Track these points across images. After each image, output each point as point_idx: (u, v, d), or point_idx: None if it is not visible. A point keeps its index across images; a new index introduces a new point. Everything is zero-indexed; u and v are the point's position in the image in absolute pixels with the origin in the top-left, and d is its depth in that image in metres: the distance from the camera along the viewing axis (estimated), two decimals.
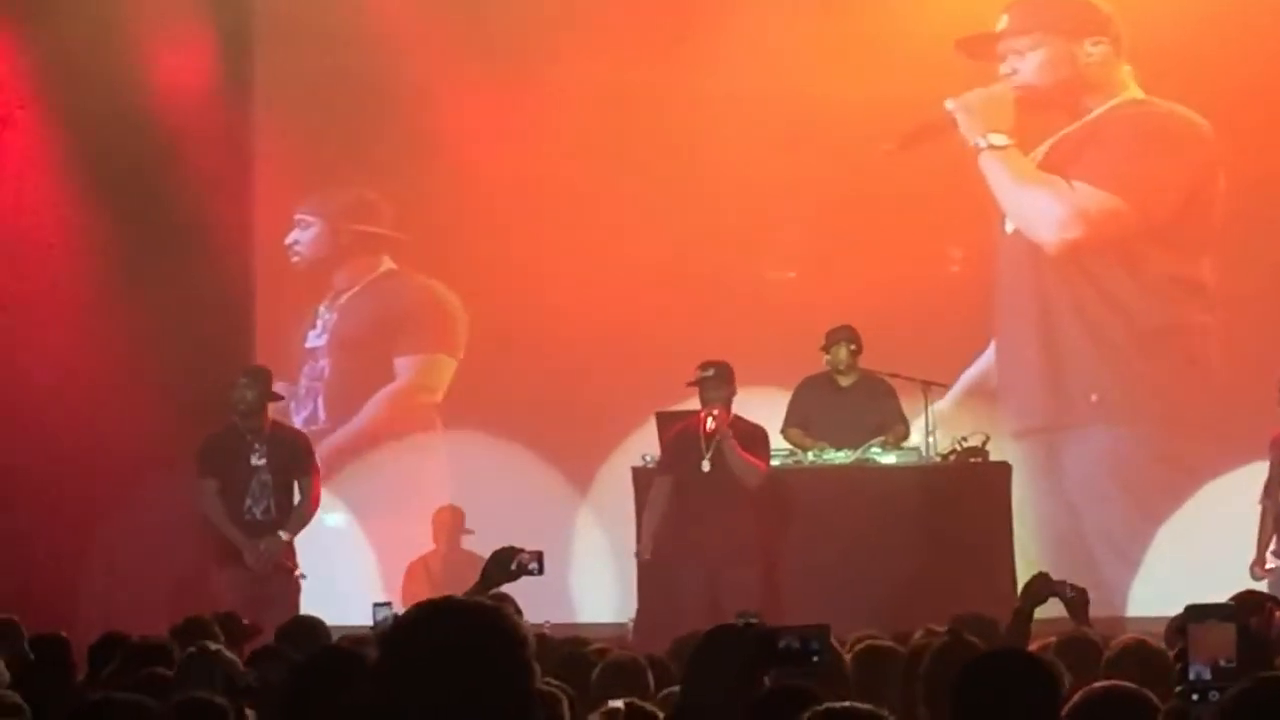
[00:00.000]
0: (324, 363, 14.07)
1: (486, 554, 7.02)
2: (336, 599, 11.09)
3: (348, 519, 13.69)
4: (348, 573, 13.06)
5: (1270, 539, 11.12)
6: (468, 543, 13.37)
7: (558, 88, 13.45)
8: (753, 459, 10.92)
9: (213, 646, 6.24)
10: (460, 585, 6.63)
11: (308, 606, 10.57)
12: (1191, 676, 3.43)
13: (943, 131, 13.27)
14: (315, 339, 14.08)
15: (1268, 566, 11.07)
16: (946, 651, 5.60)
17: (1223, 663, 3.36)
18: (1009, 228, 13.44)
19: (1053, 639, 6.67)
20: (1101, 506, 13.06)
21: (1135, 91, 13.33)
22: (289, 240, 14.07)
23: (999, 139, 13.34)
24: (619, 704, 4.98)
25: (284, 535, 11.00)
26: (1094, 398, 13.17)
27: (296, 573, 11.03)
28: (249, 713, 5.42)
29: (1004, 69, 13.40)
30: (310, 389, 13.89)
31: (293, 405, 13.58)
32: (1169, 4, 13.15)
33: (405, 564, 13.57)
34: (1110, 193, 13.24)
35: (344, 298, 14.17)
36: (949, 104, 13.30)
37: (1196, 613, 3.44)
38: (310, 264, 14.12)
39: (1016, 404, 13.26)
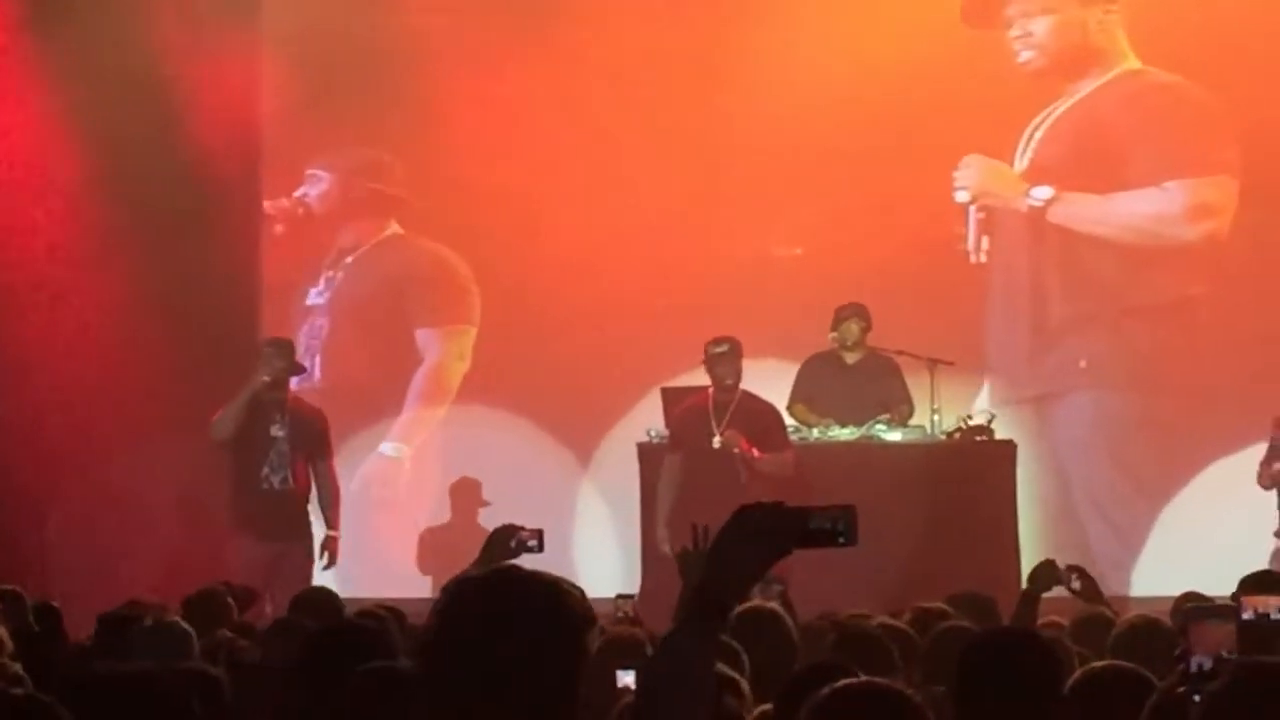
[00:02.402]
0: (322, 321, 13.95)
1: (491, 529, 7.06)
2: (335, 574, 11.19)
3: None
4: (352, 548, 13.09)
5: None
6: (482, 516, 13.34)
7: (568, 55, 13.40)
8: (777, 457, 10.93)
9: (171, 619, 6.27)
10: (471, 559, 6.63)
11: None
12: (1193, 669, 3.45)
13: (989, 215, 13.23)
14: (316, 297, 13.98)
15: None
16: (946, 632, 5.63)
17: (1224, 660, 3.38)
18: (1026, 206, 13.34)
19: (1064, 621, 6.72)
20: (1093, 474, 13.04)
21: (1134, 61, 13.29)
22: (298, 193, 14.00)
23: (1043, 191, 13.24)
24: (629, 680, 4.96)
25: (334, 533, 11.12)
26: (1082, 363, 13.15)
27: (335, 533, 11.08)
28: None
29: (1014, 32, 13.31)
30: (308, 347, 13.74)
31: None
32: None
33: (411, 536, 13.58)
34: (1201, 177, 13.13)
35: (350, 258, 14.08)
36: (960, 196, 13.26)
37: (1198, 611, 3.46)
38: (317, 219, 14.03)
39: (1004, 374, 13.23)
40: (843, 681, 3.79)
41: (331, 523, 11.16)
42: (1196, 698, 3.29)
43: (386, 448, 13.74)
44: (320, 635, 5.14)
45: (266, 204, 13.83)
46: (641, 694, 3.05)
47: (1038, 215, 13.28)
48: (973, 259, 13.23)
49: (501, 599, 2.98)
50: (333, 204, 14.05)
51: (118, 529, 11.95)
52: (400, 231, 14.12)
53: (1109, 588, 11.98)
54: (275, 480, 10.96)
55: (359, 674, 4.47)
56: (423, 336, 13.95)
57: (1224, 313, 12.89)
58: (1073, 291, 13.26)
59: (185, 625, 6.41)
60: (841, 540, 3.08)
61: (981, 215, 13.27)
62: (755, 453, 10.92)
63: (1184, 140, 13.21)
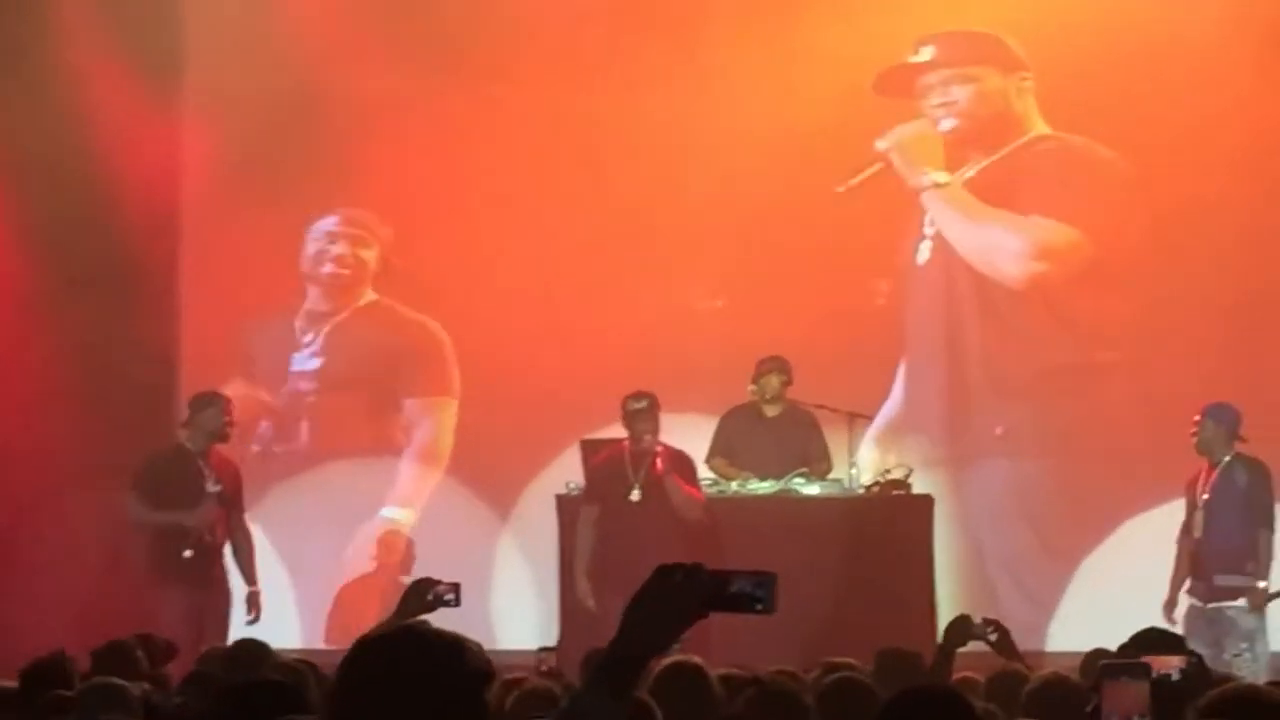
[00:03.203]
0: (311, 387, 13.83)
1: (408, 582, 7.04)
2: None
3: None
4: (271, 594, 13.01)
5: (1184, 580, 11.17)
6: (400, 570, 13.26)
7: (491, 107, 13.42)
8: (691, 490, 10.98)
9: (117, 683, 6.25)
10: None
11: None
12: None
13: (886, 170, 13.30)
14: (305, 362, 13.82)
15: (1180, 607, 11.12)
16: (846, 688, 5.65)
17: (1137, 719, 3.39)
18: (922, 259, 13.43)
19: (979, 676, 6.73)
20: (1005, 539, 13.10)
21: (1043, 127, 13.42)
22: (317, 250, 13.85)
23: (940, 176, 13.38)
24: None
25: (256, 588, 11.13)
26: (999, 430, 13.22)
27: (256, 587, 11.10)
28: None
29: (935, 100, 13.43)
30: (293, 412, 13.72)
31: (265, 424, 13.53)
32: (1064, 38, 13.15)
33: (323, 586, 13.47)
34: (1065, 224, 13.28)
35: (330, 324, 13.90)
36: (880, 144, 13.31)
37: (1111, 669, 3.47)
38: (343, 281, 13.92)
39: (924, 435, 13.28)
40: None
41: (251, 578, 11.15)
42: None
43: (390, 512, 13.63)
44: (234, 687, 5.12)
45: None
46: None
47: (950, 269, 13.33)
48: (837, 189, 13.17)
49: (402, 656, 3.01)
50: (310, 265, 13.92)
51: (36, 578, 11.86)
52: (375, 297, 13.98)
53: (1022, 644, 12.08)
54: (206, 534, 10.92)
55: None
56: (410, 406, 13.80)
57: (1136, 377, 12.98)
58: (989, 351, 13.33)
59: (119, 682, 6.38)
60: (759, 608, 3.08)
61: (879, 166, 13.29)
62: (676, 477, 10.93)
63: (1069, 187, 13.32)
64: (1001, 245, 13.35)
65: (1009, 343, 13.30)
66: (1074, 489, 12.98)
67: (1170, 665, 4.12)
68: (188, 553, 10.81)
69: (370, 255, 13.85)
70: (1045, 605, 12.90)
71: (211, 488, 10.93)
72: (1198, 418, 11.07)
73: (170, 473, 11.00)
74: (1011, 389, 13.21)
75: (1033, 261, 13.29)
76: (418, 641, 3.05)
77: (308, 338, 13.87)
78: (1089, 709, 3.54)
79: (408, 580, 12.60)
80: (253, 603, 11.07)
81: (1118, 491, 12.80)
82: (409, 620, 6.37)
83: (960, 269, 13.38)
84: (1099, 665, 3.56)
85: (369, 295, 13.95)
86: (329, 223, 13.88)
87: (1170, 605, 11.13)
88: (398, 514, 13.61)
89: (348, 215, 13.88)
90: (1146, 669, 3.50)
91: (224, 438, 11.10)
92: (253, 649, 7.59)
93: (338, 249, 13.87)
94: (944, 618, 9.81)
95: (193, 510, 10.87)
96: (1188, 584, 11.12)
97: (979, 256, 13.38)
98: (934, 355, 13.44)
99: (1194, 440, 11.05)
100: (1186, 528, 11.22)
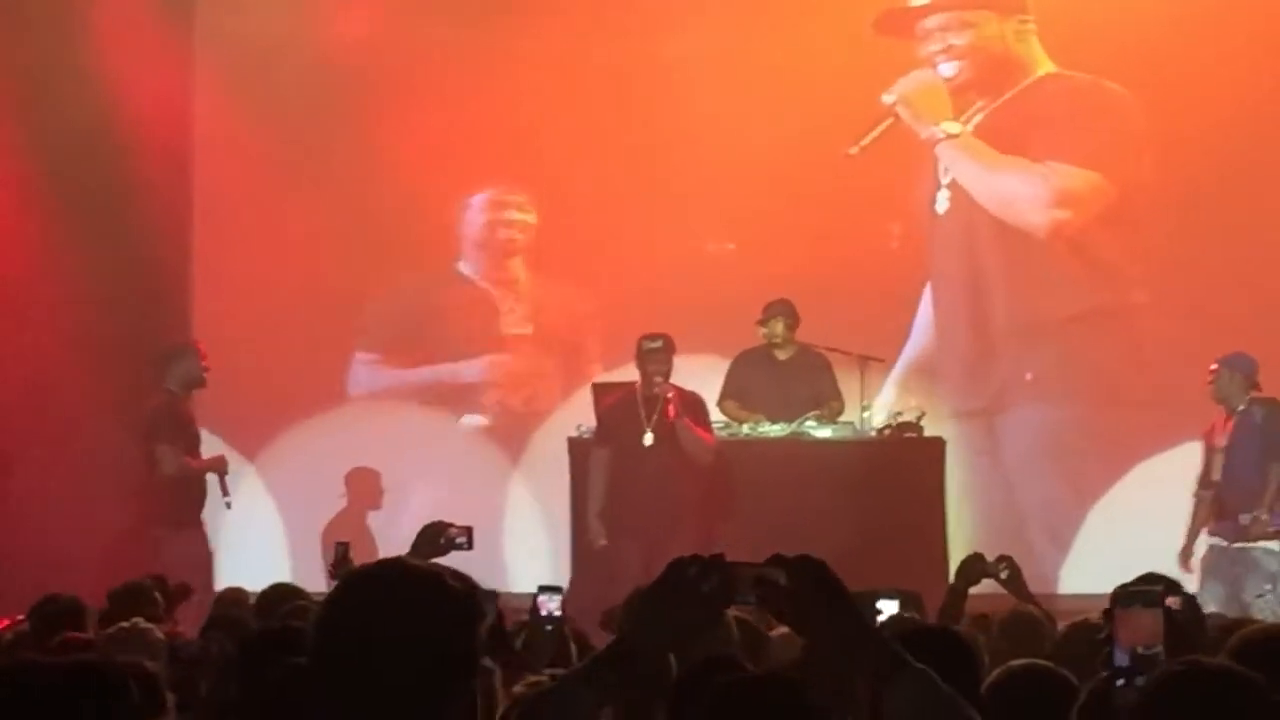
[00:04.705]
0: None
1: (417, 525, 7.04)
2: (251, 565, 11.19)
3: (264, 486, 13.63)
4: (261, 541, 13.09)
5: (1200, 530, 11.17)
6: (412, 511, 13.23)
7: (507, 54, 13.36)
8: (703, 434, 10.95)
9: (143, 625, 6.25)
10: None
11: (233, 574, 10.62)
12: (1116, 661, 3.43)
13: (897, 125, 13.21)
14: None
15: (1198, 554, 11.12)
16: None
17: (1148, 649, 3.36)
18: (941, 208, 13.37)
19: (992, 616, 6.72)
20: (1037, 485, 13.08)
21: (1049, 67, 13.33)
22: (507, 215, 13.79)
23: (952, 127, 13.29)
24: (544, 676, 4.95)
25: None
26: (1028, 376, 13.19)
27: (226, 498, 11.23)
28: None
29: (934, 46, 13.35)
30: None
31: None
32: None
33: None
34: (1084, 168, 13.19)
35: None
36: (886, 97, 13.21)
37: (1123, 597, 3.44)
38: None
39: (953, 385, 13.26)
40: (739, 675, 3.75)
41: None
42: (1120, 682, 3.29)
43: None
44: (255, 632, 5.13)
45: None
46: None
47: (972, 218, 13.27)
48: (850, 150, 13.12)
49: (384, 590, 3.00)
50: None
51: (54, 519, 11.89)
52: None
53: (1056, 588, 12.11)
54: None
55: (283, 668, 4.44)
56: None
57: (1164, 317, 12.93)
58: (1015, 298, 13.27)
59: (158, 632, 6.40)
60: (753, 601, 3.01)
61: (890, 122, 13.23)
62: (689, 421, 10.91)
63: (1082, 129, 13.25)
64: (1022, 194, 13.27)
65: (1035, 289, 13.22)
66: (1100, 430, 12.93)
67: (1171, 602, 4.10)
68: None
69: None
70: (1068, 547, 12.88)
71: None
72: (1214, 367, 11.04)
73: (184, 420, 11.21)
74: (1039, 335, 13.15)
75: (1055, 209, 13.21)
76: (402, 575, 3.04)
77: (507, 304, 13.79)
78: (1101, 636, 3.51)
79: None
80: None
81: (1135, 431, 12.75)
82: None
83: (981, 217, 13.32)
84: (1112, 592, 3.53)
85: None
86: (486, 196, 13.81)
87: (1185, 554, 11.13)
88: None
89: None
90: (1159, 596, 3.47)
91: (203, 383, 11.31)
92: (284, 592, 7.58)
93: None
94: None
95: (216, 456, 11.24)
96: (1211, 525, 11.12)
97: (1000, 206, 13.30)
98: (957, 304, 13.38)
99: (1211, 390, 11.02)
100: (1204, 477, 11.22)
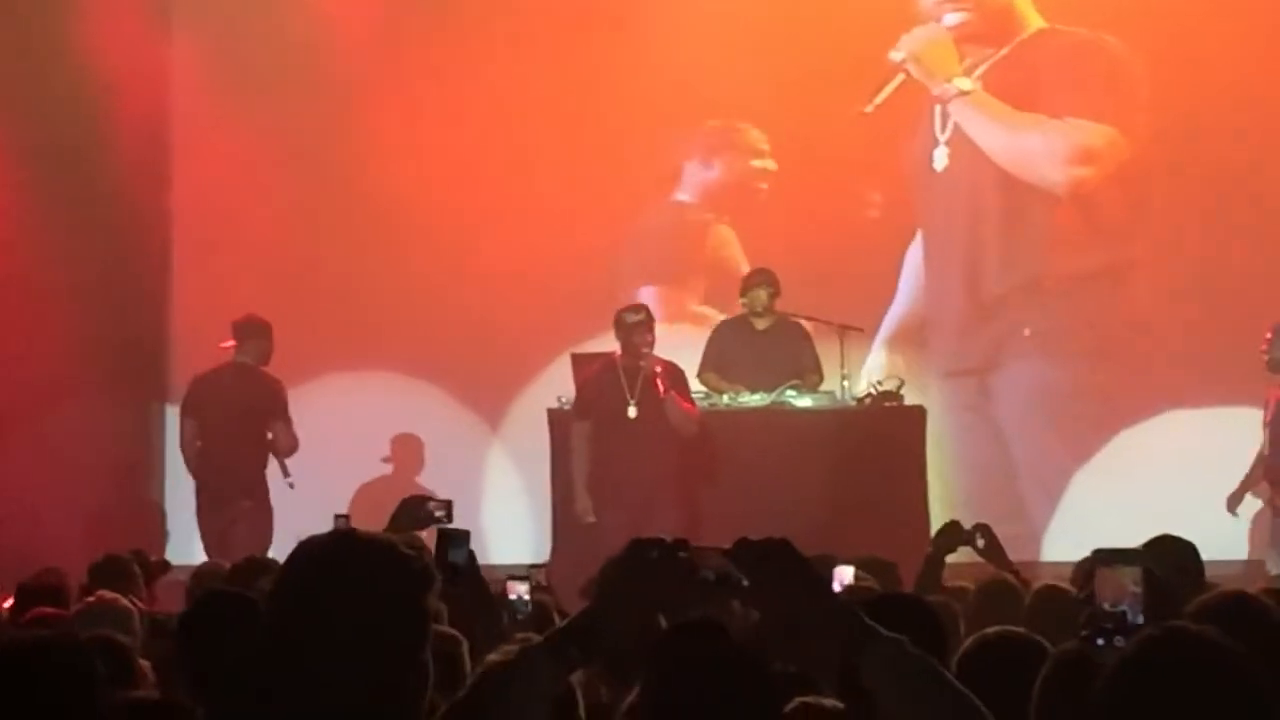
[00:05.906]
0: None
1: (398, 495, 7.02)
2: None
3: None
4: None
5: (1254, 482, 11.26)
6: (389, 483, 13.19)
7: (486, 30, 13.32)
8: (687, 405, 10.92)
9: (109, 597, 6.24)
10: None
11: None
12: (1096, 621, 3.40)
13: (906, 83, 13.14)
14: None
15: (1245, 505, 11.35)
16: None
17: (1129, 609, 3.34)
18: (939, 165, 13.30)
19: (969, 585, 6.68)
20: (1029, 442, 13.05)
21: (1039, 21, 13.28)
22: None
23: (965, 83, 13.19)
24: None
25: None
26: (1027, 332, 13.13)
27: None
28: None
29: None
30: None
31: None
32: None
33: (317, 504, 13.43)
34: (1095, 122, 13.09)
35: None
36: (894, 55, 13.11)
37: (1105, 557, 3.41)
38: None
39: (945, 342, 13.21)
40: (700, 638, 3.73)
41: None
42: (1099, 642, 3.26)
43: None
44: (199, 600, 5.14)
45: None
46: (470, 690, 3.03)
47: (975, 174, 13.19)
48: (865, 108, 13.03)
49: (333, 556, 3.02)
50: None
51: (43, 490, 11.90)
52: None
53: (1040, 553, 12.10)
54: None
55: (236, 636, 4.42)
56: None
57: (1164, 273, 12.89)
58: (1016, 254, 13.20)
59: (128, 603, 6.39)
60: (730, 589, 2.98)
61: (901, 78, 13.14)
62: (675, 393, 10.88)
63: (1091, 85, 13.17)
64: (1041, 150, 13.14)
65: (1037, 246, 13.15)
66: (1102, 389, 12.89)
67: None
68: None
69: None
70: (1063, 511, 12.88)
71: None
72: (1269, 335, 10.96)
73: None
74: (1039, 292, 13.09)
75: (1075, 166, 13.13)
76: (355, 543, 3.06)
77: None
78: (1082, 594, 3.48)
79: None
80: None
81: (1150, 390, 12.74)
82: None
83: (986, 174, 13.21)
84: (1093, 552, 3.50)
85: None
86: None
87: (1234, 499, 11.33)
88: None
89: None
90: (1139, 555, 3.45)
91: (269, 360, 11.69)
92: (257, 565, 7.57)
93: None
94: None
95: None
96: (1268, 494, 11.21)
97: (1017, 163, 13.16)
98: (952, 261, 13.31)
99: (1265, 359, 10.94)
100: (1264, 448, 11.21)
